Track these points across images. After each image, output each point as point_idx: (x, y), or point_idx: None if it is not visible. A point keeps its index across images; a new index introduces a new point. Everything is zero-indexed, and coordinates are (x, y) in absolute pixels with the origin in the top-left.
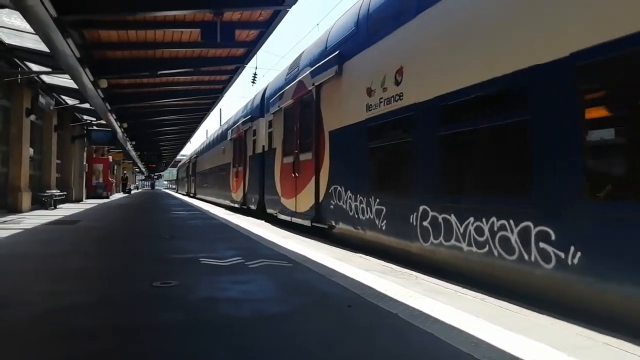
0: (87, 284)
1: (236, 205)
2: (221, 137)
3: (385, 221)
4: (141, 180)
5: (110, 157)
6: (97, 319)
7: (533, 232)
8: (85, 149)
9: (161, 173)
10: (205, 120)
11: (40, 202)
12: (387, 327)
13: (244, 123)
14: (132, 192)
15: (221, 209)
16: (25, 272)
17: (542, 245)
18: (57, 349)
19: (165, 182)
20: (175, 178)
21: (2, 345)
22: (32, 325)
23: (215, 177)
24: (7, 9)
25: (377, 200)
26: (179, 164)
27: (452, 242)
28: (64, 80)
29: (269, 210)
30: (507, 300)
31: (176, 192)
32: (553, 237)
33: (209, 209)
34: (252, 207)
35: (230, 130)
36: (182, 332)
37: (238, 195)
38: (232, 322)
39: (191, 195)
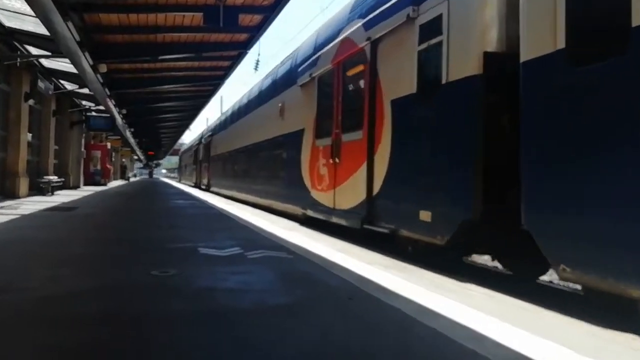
0: (86, 271)
1: (334, 220)
2: (268, 93)
3: None
4: (139, 168)
5: (108, 144)
6: (96, 306)
7: None
8: (84, 135)
9: (160, 161)
10: (205, 108)
11: (38, 188)
12: (388, 321)
13: (370, 24)
14: (131, 179)
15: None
16: (24, 257)
17: None
18: (57, 336)
19: (164, 171)
20: (175, 167)
21: (2, 330)
22: (32, 311)
23: (256, 162)
24: None
25: None
26: (183, 149)
27: None
28: (63, 65)
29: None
30: (513, 295)
31: (179, 182)
32: None
33: (208, 199)
34: (421, 236)
35: (304, 67)
36: (180, 321)
37: (341, 197)
38: (231, 313)
39: (203, 187)
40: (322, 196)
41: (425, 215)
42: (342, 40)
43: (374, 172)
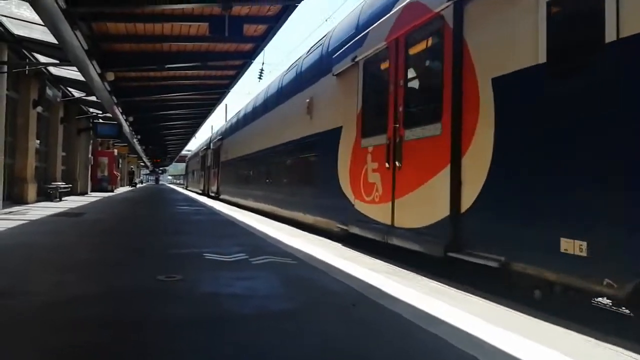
0: (92, 276)
1: (395, 242)
2: (291, 88)
3: None
4: (146, 174)
5: (115, 151)
6: (100, 311)
7: None
8: (91, 142)
9: (166, 168)
10: (210, 117)
11: (46, 194)
12: (391, 327)
13: None
14: (138, 186)
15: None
16: (31, 262)
17: None
18: (61, 339)
19: (170, 177)
20: (181, 173)
21: (7, 334)
22: (37, 315)
23: (276, 167)
24: (16, 0)
25: None
26: (190, 155)
27: None
28: (71, 73)
29: None
30: (513, 302)
31: (185, 188)
32: None
33: (215, 205)
34: (565, 278)
35: (343, 51)
36: (185, 327)
37: (405, 211)
38: (235, 318)
39: (212, 195)
40: (373, 209)
41: (573, 246)
42: (405, 8)
43: (462, 178)
